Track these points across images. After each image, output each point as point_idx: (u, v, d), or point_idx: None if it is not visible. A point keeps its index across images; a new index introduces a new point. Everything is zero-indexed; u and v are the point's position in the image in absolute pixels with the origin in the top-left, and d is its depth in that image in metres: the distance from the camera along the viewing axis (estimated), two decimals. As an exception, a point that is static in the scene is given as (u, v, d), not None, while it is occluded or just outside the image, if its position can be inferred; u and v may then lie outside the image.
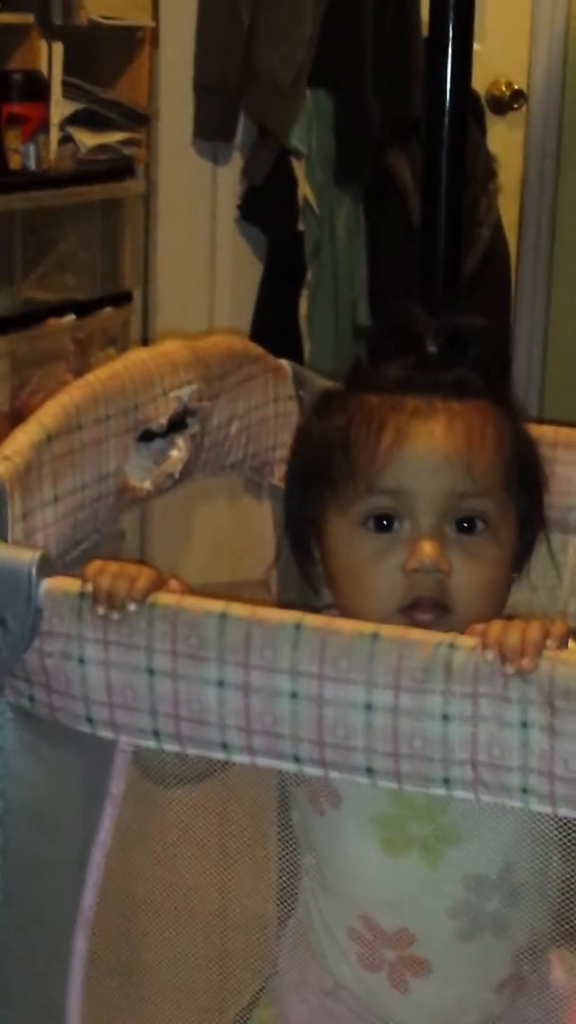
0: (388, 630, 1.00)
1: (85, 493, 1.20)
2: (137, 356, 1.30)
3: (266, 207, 3.30)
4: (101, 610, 1.03)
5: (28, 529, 1.13)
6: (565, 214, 3.96)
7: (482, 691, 0.97)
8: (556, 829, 1.04)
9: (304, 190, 3.27)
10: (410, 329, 1.27)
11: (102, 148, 2.91)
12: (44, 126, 2.74)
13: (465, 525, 1.20)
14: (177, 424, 1.33)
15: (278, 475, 1.50)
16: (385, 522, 1.20)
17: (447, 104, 1.89)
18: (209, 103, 3.21)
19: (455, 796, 0.99)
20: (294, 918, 1.25)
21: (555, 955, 1.24)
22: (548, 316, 3.99)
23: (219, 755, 1.03)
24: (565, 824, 1.03)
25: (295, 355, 1.53)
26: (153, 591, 1.04)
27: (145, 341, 3.11)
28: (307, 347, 3.32)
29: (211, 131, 3.24)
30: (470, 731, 0.97)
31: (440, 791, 0.99)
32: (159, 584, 1.05)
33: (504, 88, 3.86)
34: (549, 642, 0.97)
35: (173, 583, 1.07)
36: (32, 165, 2.72)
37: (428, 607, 1.18)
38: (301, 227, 3.29)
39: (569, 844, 1.05)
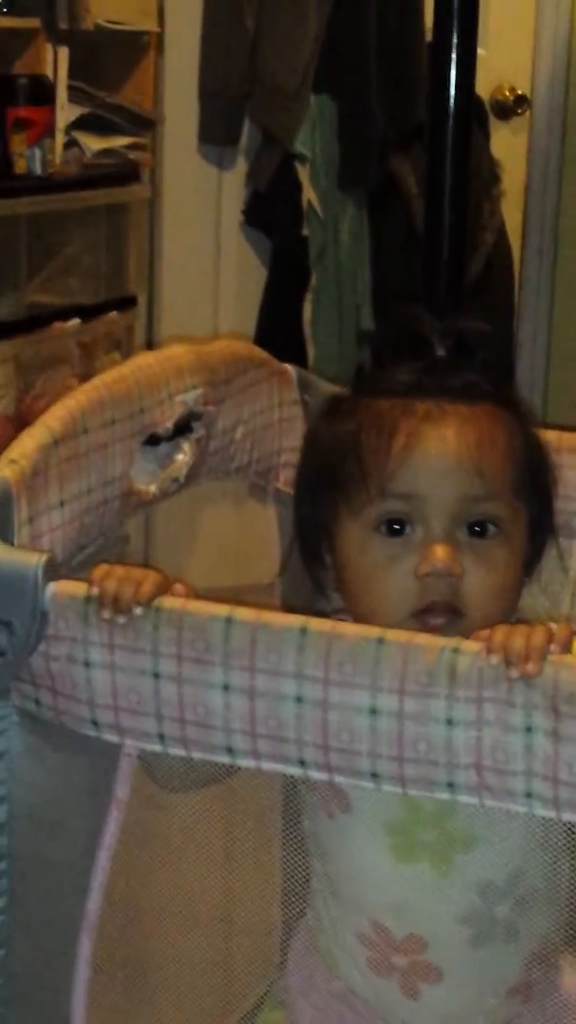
0: (393, 634, 1.00)
1: (91, 497, 1.21)
2: (143, 360, 1.31)
3: (270, 212, 3.30)
4: (107, 614, 1.03)
5: (34, 533, 1.13)
6: (568, 219, 3.96)
7: (486, 695, 0.97)
8: (565, 834, 1.04)
9: (308, 195, 3.27)
10: (417, 333, 1.27)
11: (107, 153, 2.91)
12: (50, 130, 2.74)
13: (477, 529, 1.20)
14: (183, 428, 1.33)
15: (283, 479, 1.50)
16: (397, 526, 1.20)
17: (451, 109, 1.89)
18: (214, 108, 3.21)
19: (459, 800, 1.00)
20: (304, 922, 1.24)
21: (566, 960, 1.24)
22: (551, 321, 3.99)
23: (224, 759, 1.04)
24: (572, 829, 1.03)
25: (299, 359, 1.53)
26: (159, 595, 1.04)
27: (150, 345, 3.11)
28: (311, 351, 3.32)
29: (216, 136, 3.24)
30: (474, 735, 0.97)
31: (444, 795, 1.00)
32: (165, 588, 1.05)
33: (508, 93, 3.86)
34: (553, 646, 0.97)
35: (178, 586, 1.07)
36: (37, 169, 2.72)
37: (441, 611, 1.18)
38: (305, 232, 3.29)
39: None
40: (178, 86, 3.17)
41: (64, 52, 2.78)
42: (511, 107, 3.87)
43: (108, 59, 3.02)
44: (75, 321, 2.79)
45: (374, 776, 1.00)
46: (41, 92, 2.74)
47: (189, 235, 3.26)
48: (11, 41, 2.74)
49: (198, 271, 3.29)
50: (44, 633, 1.05)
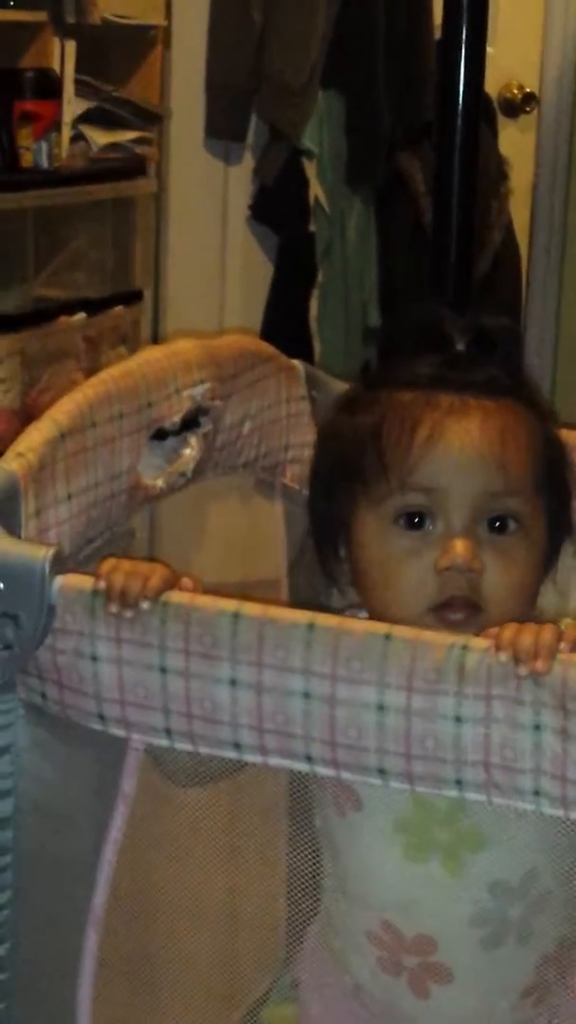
0: (401, 631, 1.00)
1: (98, 491, 1.20)
2: (151, 355, 1.31)
3: (277, 207, 3.30)
4: (114, 608, 1.03)
5: (41, 526, 1.13)
6: (576, 217, 3.96)
7: (495, 693, 0.97)
8: None
9: (315, 190, 3.27)
10: (436, 328, 1.26)
11: (114, 147, 2.90)
12: (56, 124, 2.74)
13: (497, 525, 1.19)
14: (190, 423, 1.33)
15: (290, 475, 1.50)
16: (417, 520, 1.19)
17: (460, 107, 1.88)
18: (221, 103, 3.21)
19: (467, 798, 0.99)
20: (317, 920, 1.24)
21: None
22: (559, 319, 3.99)
23: (231, 754, 1.03)
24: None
25: (305, 355, 1.53)
26: (166, 589, 1.04)
27: (155, 340, 3.11)
28: (317, 348, 3.32)
29: (223, 131, 3.24)
30: (483, 733, 0.97)
31: (452, 793, 0.99)
32: (172, 582, 1.05)
33: (516, 91, 3.86)
34: (563, 645, 0.97)
35: (186, 581, 1.07)
36: (44, 163, 2.71)
37: (460, 606, 1.17)
38: (312, 227, 3.28)
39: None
40: (185, 81, 3.17)
41: (71, 46, 2.78)
42: (519, 105, 3.86)
43: (115, 53, 3.02)
44: (81, 315, 2.79)
45: (381, 772, 1.00)
46: (48, 86, 2.74)
47: (195, 230, 3.25)
48: (18, 34, 2.73)
49: (204, 266, 3.29)
50: (51, 627, 1.05)
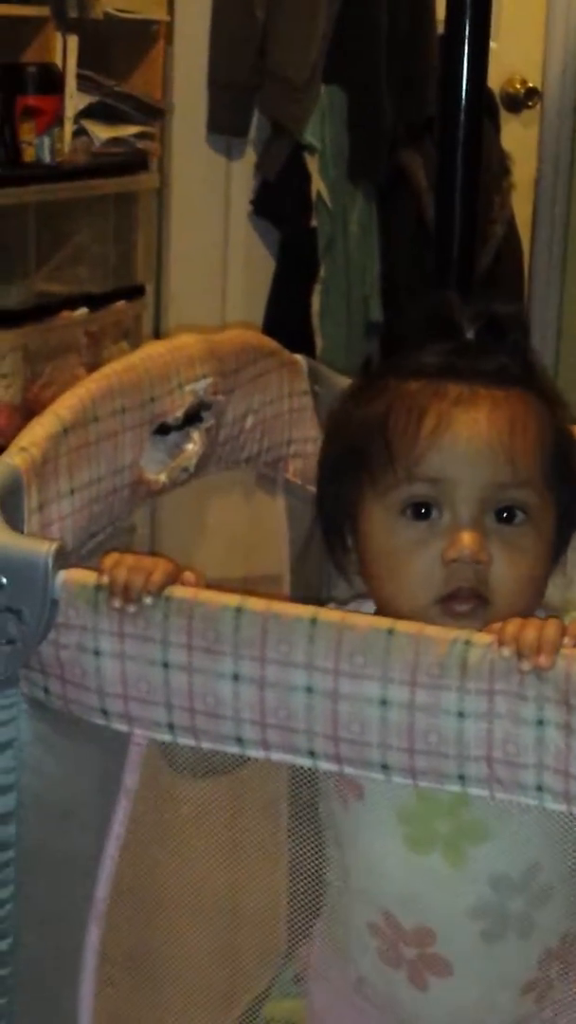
0: (404, 626, 0.99)
1: (101, 485, 1.20)
2: (153, 349, 1.30)
3: (279, 202, 3.30)
4: (117, 603, 1.03)
5: (44, 521, 1.13)
6: (578, 212, 3.95)
7: (498, 688, 0.97)
8: None
9: (317, 186, 3.27)
10: (445, 316, 1.25)
11: (116, 141, 2.90)
12: (58, 119, 2.74)
13: (505, 515, 1.18)
14: (192, 418, 1.33)
15: (292, 470, 1.50)
16: (424, 510, 1.18)
17: (463, 101, 1.88)
18: (223, 98, 3.21)
19: (470, 793, 0.99)
20: (324, 912, 1.24)
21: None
22: (561, 314, 3.99)
23: (233, 749, 1.03)
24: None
25: (307, 350, 1.53)
26: (169, 584, 1.04)
27: (157, 335, 3.11)
28: (319, 343, 3.32)
29: (225, 126, 3.24)
30: (485, 728, 0.97)
31: (455, 788, 0.99)
32: (175, 577, 1.05)
33: (519, 86, 3.86)
34: (567, 640, 0.97)
35: (188, 575, 1.06)
36: (46, 158, 2.71)
37: (466, 598, 1.16)
38: (314, 223, 3.28)
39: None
40: (187, 75, 3.16)
41: (73, 41, 2.78)
42: (522, 100, 3.86)
43: (117, 48, 3.02)
44: (83, 310, 2.79)
45: (384, 768, 1.00)
46: (50, 81, 2.74)
47: (197, 225, 3.25)
48: (21, 29, 2.73)
49: (206, 261, 3.29)
50: (54, 621, 1.04)
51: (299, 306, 3.30)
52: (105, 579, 1.04)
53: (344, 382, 1.47)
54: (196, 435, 1.33)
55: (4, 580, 1.03)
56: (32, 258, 2.74)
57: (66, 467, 1.16)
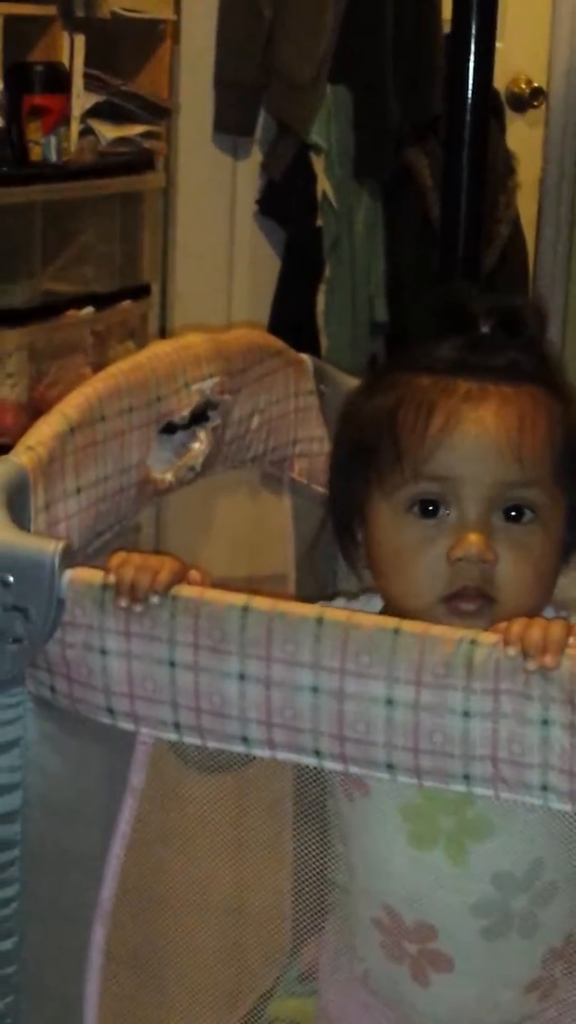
0: (410, 625, 1.00)
1: (107, 484, 1.20)
2: (160, 348, 1.30)
3: (285, 202, 3.30)
4: (123, 602, 1.03)
5: (51, 519, 1.13)
6: (583, 212, 3.95)
7: (503, 688, 0.97)
8: None
9: (323, 185, 3.27)
10: (460, 307, 1.24)
11: (122, 141, 2.91)
12: (65, 118, 2.74)
13: (513, 514, 1.18)
14: (199, 417, 1.33)
15: (298, 469, 1.50)
16: (431, 507, 1.18)
17: (469, 101, 1.89)
18: (229, 97, 3.21)
19: (475, 792, 0.99)
20: (333, 907, 1.23)
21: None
22: (566, 314, 3.99)
23: (239, 748, 1.03)
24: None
25: (312, 350, 1.53)
26: (175, 583, 1.04)
27: (163, 334, 3.11)
28: (324, 342, 3.32)
29: (231, 125, 3.24)
30: (491, 727, 0.97)
31: (460, 787, 0.99)
32: (181, 576, 1.05)
33: (524, 85, 3.86)
34: (572, 640, 0.97)
35: (194, 573, 1.06)
36: (53, 157, 2.72)
37: (472, 597, 1.16)
38: (319, 222, 3.28)
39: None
40: (194, 75, 3.17)
41: (80, 40, 2.78)
42: (527, 99, 3.86)
43: (124, 47, 3.02)
44: (89, 309, 2.79)
45: (389, 767, 1.00)
46: (57, 80, 2.74)
47: (203, 224, 3.26)
48: (28, 29, 2.73)
49: (212, 260, 3.29)
50: (60, 620, 1.04)
51: (304, 305, 3.30)
52: (112, 578, 1.04)
53: (350, 381, 1.47)
54: (202, 434, 1.34)
55: (11, 579, 1.03)
56: (38, 257, 2.74)
57: (73, 466, 1.16)
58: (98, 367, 2.43)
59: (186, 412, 1.30)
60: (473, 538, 1.16)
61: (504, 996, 1.19)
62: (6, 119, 2.70)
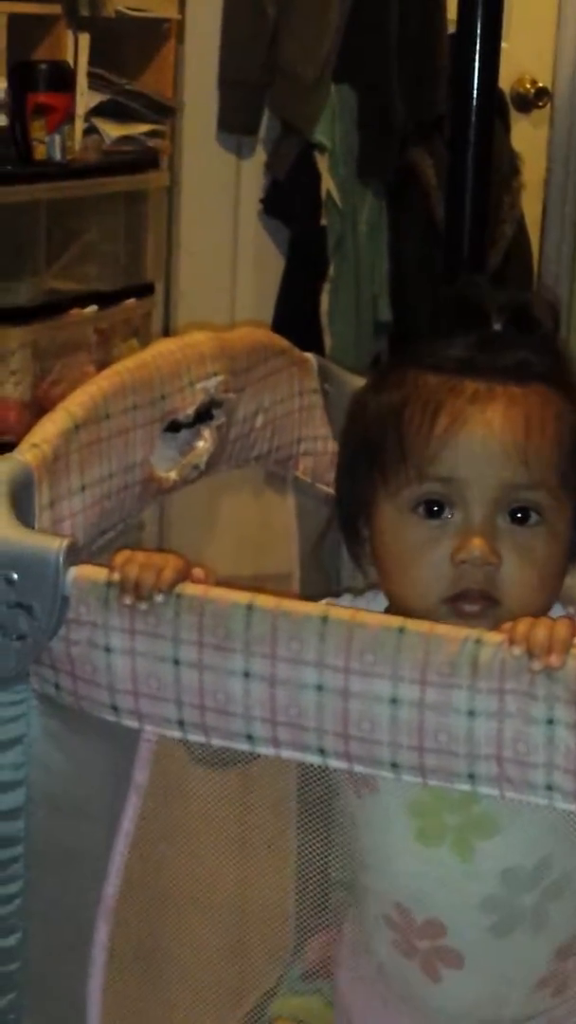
0: (415, 624, 0.99)
1: (112, 482, 1.21)
2: (165, 347, 1.30)
3: (289, 201, 3.30)
4: (128, 600, 1.03)
5: (55, 517, 1.13)
6: (587, 213, 3.95)
7: (508, 687, 0.97)
8: None
9: (327, 184, 3.27)
10: (473, 302, 1.23)
11: (126, 139, 2.91)
12: (69, 117, 2.75)
13: (518, 516, 1.17)
14: (203, 415, 1.33)
15: (302, 468, 1.50)
16: (436, 509, 1.17)
17: (474, 101, 1.88)
18: (233, 96, 3.21)
19: (480, 792, 0.99)
20: (350, 903, 1.23)
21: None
22: (570, 313, 3.99)
23: (243, 746, 1.03)
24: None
25: (316, 349, 1.53)
26: (180, 581, 1.03)
27: (167, 333, 3.11)
28: (328, 341, 3.32)
29: (235, 124, 3.24)
30: (496, 727, 0.97)
31: (465, 787, 0.99)
32: (186, 574, 1.04)
33: (529, 85, 3.86)
34: (578, 639, 0.97)
35: (197, 571, 1.06)
36: (57, 155, 2.72)
37: (475, 599, 1.15)
38: (323, 221, 3.29)
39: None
40: (198, 74, 3.17)
41: (85, 38, 2.78)
42: (532, 99, 3.86)
43: (128, 46, 3.02)
44: (92, 308, 2.79)
45: (394, 766, 1.00)
46: (61, 78, 2.74)
47: (207, 223, 3.26)
48: (32, 27, 2.74)
49: (216, 259, 3.29)
50: (65, 617, 1.05)
51: (308, 305, 3.31)
52: (116, 576, 1.04)
53: (354, 380, 1.47)
54: (207, 433, 1.34)
55: (15, 576, 1.03)
56: (42, 255, 2.74)
57: (77, 464, 1.16)
58: (102, 365, 2.43)
59: (190, 410, 1.31)
60: (477, 541, 1.15)
61: (515, 993, 1.19)
62: (10, 117, 2.70)
